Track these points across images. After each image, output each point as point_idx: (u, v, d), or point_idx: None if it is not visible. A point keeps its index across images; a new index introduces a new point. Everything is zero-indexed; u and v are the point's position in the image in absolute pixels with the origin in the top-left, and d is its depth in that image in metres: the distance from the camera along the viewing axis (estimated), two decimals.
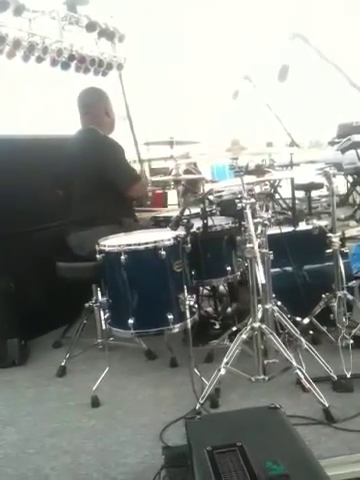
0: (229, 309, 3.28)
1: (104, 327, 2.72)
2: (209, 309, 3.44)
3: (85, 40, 5.67)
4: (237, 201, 2.43)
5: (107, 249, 2.55)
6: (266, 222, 2.45)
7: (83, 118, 3.25)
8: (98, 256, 2.58)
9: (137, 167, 6.15)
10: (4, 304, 3.09)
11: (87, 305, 3.06)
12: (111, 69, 6.13)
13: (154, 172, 6.51)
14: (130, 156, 6.10)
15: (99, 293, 2.92)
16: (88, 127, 3.21)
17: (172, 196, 5.42)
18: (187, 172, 4.60)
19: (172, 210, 3.92)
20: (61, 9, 5.29)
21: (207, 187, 3.60)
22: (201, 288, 3.33)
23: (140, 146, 6.39)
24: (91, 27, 5.51)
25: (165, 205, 5.40)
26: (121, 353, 3.03)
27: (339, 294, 2.72)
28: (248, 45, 5.34)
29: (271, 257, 2.49)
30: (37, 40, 5.12)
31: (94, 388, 2.54)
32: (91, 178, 3.07)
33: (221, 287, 3.50)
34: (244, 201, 2.35)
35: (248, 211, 2.31)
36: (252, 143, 2.92)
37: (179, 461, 1.76)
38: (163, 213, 3.57)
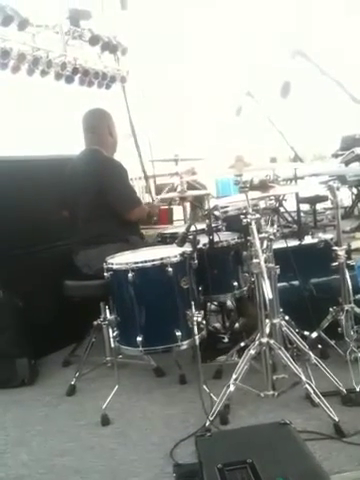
0: (237, 324, 3.28)
1: (113, 345, 2.72)
2: (217, 325, 3.44)
3: (88, 54, 5.77)
4: (242, 216, 2.45)
5: (114, 267, 2.57)
6: (272, 237, 2.46)
7: (87, 138, 3.30)
8: (106, 274, 2.59)
9: (142, 184, 6.21)
10: (13, 323, 3.10)
11: (95, 323, 3.07)
12: (114, 82, 6.22)
13: (159, 188, 6.54)
14: (135, 173, 6.16)
15: (107, 311, 2.93)
16: (92, 148, 3.26)
17: (178, 212, 5.45)
18: (191, 187, 4.63)
19: (178, 226, 3.94)
20: (64, 23, 5.39)
21: (212, 203, 3.64)
22: (208, 304, 3.33)
23: (145, 162, 6.45)
24: (94, 41, 5.60)
25: (171, 221, 5.42)
26: (130, 371, 3.03)
27: (346, 307, 2.71)
28: (250, 62, 5.40)
29: (278, 271, 2.50)
30: (41, 54, 5.21)
31: (104, 406, 2.54)
32: (95, 198, 3.10)
33: (228, 302, 3.50)
34: (249, 216, 2.36)
35: (253, 226, 2.33)
36: (256, 159, 2.94)
37: (190, 479, 1.76)
38: (169, 229, 3.59)
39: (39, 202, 3.44)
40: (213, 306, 3.55)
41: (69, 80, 5.61)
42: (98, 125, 3.29)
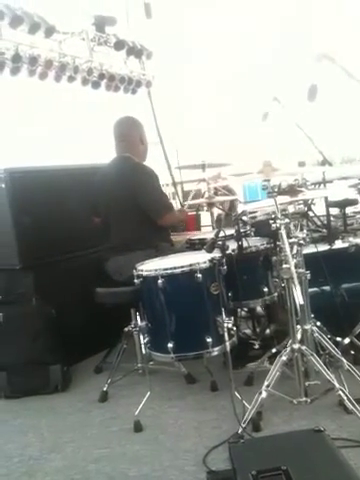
0: (268, 331, 3.26)
1: (144, 351, 2.74)
2: (247, 331, 3.42)
3: (114, 59, 5.85)
4: (271, 222, 2.44)
5: (144, 274, 2.59)
6: (301, 242, 2.44)
7: (119, 146, 3.34)
8: (136, 281, 2.62)
9: (171, 190, 6.24)
10: (46, 331, 3.16)
11: (126, 329, 3.10)
12: (140, 87, 6.28)
13: (186, 194, 6.56)
14: (163, 179, 6.19)
15: (138, 317, 2.96)
16: (123, 155, 3.29)
17: (205, 218, 5.45)
18: (219, 193, 4.63)
19: (206, 232, 3.94)
20: (90, 30, 5.48)
21: (240, 208, 3.63)
22: (238, 310, 3.32)
23: (172, 169, 6.48)
24: (119, 45, 5.68)
25: (199, 227, 5.43)
26: (161, 377, 3.04)
27: None
28: (276, 66, 5.38)
29: (308, 277, 2.48)
30: (68, 60, 5.31)
31: (136, 413, 2.56)
32: (126, 205, 3.14)
33: (259, 308, 3.48)
34: (278, 221, 2.35)
35: (283, 231, 2.32)
36: (284, 163, 2.92)
37: None
38: (197, 236, 3.59)
39: (70, 211, 3.51)
40: (243, 312, 3.53)
41: (96, 85, 5.69)
42: (130, 133, 3.34)
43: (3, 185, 3.28)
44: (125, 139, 3.32)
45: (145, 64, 6.25)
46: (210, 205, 4.12)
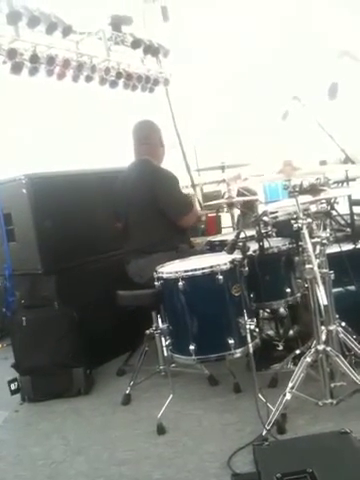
0: (291, 332, 3.22)
1: (166, 354, 2.73)
2: (270, 332, 3.38)
3: (131, 58, 5.88)
4: (293, 221, 2.41)
5: (165, 276, 2.58)
6: (325, 241, 2.40)
7: (139, 149, 3.35)
8: (156, 283, 2.61)
9: (190, 192, 6.23)
10: (69, 334, 3.17)
11: (148, 332, 3.09)
12: (157, 85, 6.29)
13: (206, 196, 6.55)
14: (183, 182, 6.19)
15: (159, 320, 2.95)
16: (142, 158, 3.30)
17: (226, 220, 5.42)
18: (240, 194, 4.60)
19: (227, 234, 3.92)
20: (107, 29, 5.51)
21: (261, 208, 3.60)
22: (260, 311, 3.29)
23: (192, 171, 6.48)
24: (136, 44, 5.70)
25: (219, 229, 5.40)
26: (184, 379, 3.03)
27: None
28: (295, 65, 5.33)
29: (332, 277, 2.44)
30: (85, 60, 5.35)
31: (159, 415, 2.55)
32: (147, 207, 3.14)
33: (281, 309, 3.44)
34: (300, 221, 2.32)
35: (305, 231, 2.28)
36: (305, 162, 2.88)
37: None
38: (218, 237, 3.57)
39: (91, 214, 3.53)
40: (265, 314, 3.49)
41: (113, 85, 5.72)
42: (150, 136, 3.36)
43: (24, 190, 3.32)
44: (146, 142, 3.33)
45: (162, 62, 6.27)
46: (230, 206, 4.09)
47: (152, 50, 5.99)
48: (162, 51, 6.17)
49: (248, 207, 4.51)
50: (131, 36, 5.67)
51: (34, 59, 4.87)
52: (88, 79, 5.48)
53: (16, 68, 4.84)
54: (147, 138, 3.34)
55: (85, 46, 5.39)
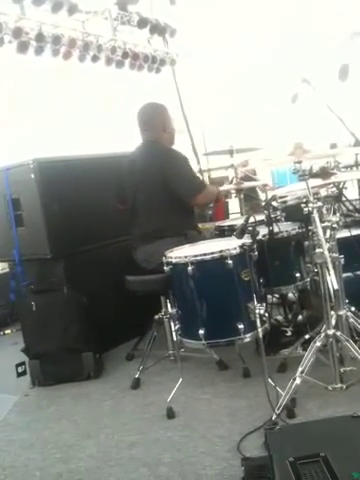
0: (300, 317, 3.21)
1: (175, 338, 2.73)
2: (279, 317, 3.38)
3: (138, 38, 5.82)
4: (303, 205, 2.39)
5: (174, 261, 2.57)
6: (335, 225, 2.38)
7: (143, 134, 3.30)
8: (165, 268, 2.60)
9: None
10: (78, 319, 3.18)
11: (157, 317, 3.10)
12: (164, 65, 6.23)
13: (213, 182, 6.51)
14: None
15: (168, 305, 2.95)
16: (149, 140, 3.25)
17: (233, 205, 5.39)
18: (246, 178, 4.56)
19: (234, 219, 3.90)
20: (113, 9, 5.45)
21: (270, 193, 3.57)
22: (269, 296, 3.27)
23: (200, 156, 6.43)
24: (142, 23, 5.64)
25: (227, 215, 5.37)
26: (193, 364, 3.03)
27: None
28: (305, 46, 5.25)
29: (342, 261, 2.42)
30: (92, 39, 5.30)
31: (168, 399, 2.56)
32: (155, 191, 3.09)
33: (290, 294, 3.43)
34: (311, 205, 2.30)
35: (315, 215, 2.26)
36: (315, 146, 2.85)
37: (259, 472, 1.74)
38: (226, 222, 3.55)
39: (100, 199, 3.51)
40: (274, 299, 3.48)
41: (119, 65, 5.67)
42: (152, 121, 3.26)
43: (32, 175, 3.31)
44: (148, 128, 3.26)
45: (169, 43, 6.20)
46: (239, 191, 4.07)
47: (159, 29, 5.90)
48: (169, 30, 6.08)
49: (252, 191, 4.48)
50: (137, 15, 5.60)
51: (40, 38, 4.83)
52: (94, 59, 5.43)
53: (22, 47, 4.80)
54: (147, 123, 3.26)
55: (91, 26, 5.35)
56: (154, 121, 3.26)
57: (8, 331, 4.55)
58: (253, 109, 6.02)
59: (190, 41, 6.30)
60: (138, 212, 3.22)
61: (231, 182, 4.38)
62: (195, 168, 6.23)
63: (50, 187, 3.33)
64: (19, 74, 5.12)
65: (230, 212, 5.52)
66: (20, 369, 3.17)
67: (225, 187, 4.08)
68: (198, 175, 3.39)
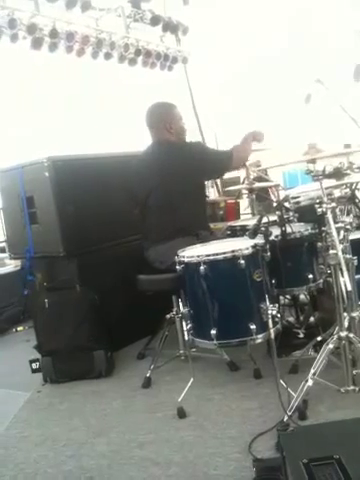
0: (312, 318, 3.19)
1: (186, 338, 2.73)
2: (290, 319, 3.37)
3: (150, 35, 5.83)
4: (317, 206, 2.37)
5: (186, 260, 2.56)
6: (348, 226, 2.37)
7: (150, 134, 3.30)
8: (178, 267, 2.60)
9: None
10: (90, 317, 3.19)
11: (168, 316, 3.10)
12: (176, 63, 6.23)
13: (225, 182, 6.50)
14: None
15: (180, 304, 2.95)
16: (157, 140, 3.24)
17: (245, 205, 5.37)
18: (259, 179, 4.55)
19: (246, 219, 3.89)
20: (126, 6, 5.47)
21: (282, 194, 3.55)
22: (280, 298, 3.26)
23: None
24: (155, 21, 5.65)
25: (238, 216, 5.36)
26: (203, 364, 3.03)
27: None
28: (318, 47, 5.23)
29: (355, 263, 2.40)
30: (105, 36, 5.32)
31: (179, 399, 2.56)
32: (170, 191, 3.06)
33: (301, 296, 3.42)
34: (324, 206, 2.29)
35: (329, 216, 2.25)
36: (329, 146, 2.84)
37: (271, 474, 1.73)
38: (238, 222, 3.54)
39: (113, 198, 3.52)
40: (285, 300, 3.47)
41: (132, 62, 5.69)
42: (153, 121, 3.25)
43: (47, 173, 3.33)
44: (152, 128, 3.25)
45: (181, 41, 6.22)
46: (251, 191, 4.05)
47: (171, 27, 5.92)
48: (181, 28, 6.09)
49: (265, 192, 4.46)
50: (150, 12, 5.62)
51: (54, 34, 4.87)
52: (107, 56, 5.46)
53: (36, 43, 4.85)
54: (151, 124, 3.25)
55: (104, 23, 5.37)
56: (157, 121, 3.24)
57: (20, 328, 4.59)
58: (266, 109, 6.00)
59: (200, 40, 6.29)
60: (150, 212, 3.21)
61: (243, 182, 4.37)
62: None
63: (64, 185, 3.35)
64: (29, 71, 5.15)
65: (241, 212, 5.50)
66: (34, 365, 3.20)
67: (237, 187, 4.08)
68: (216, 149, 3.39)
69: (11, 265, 5.57)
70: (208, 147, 3.21)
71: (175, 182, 3.05)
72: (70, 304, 3.20)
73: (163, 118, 3.23)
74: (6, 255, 5.83)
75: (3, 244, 6.85)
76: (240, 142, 3.24)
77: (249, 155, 3.28)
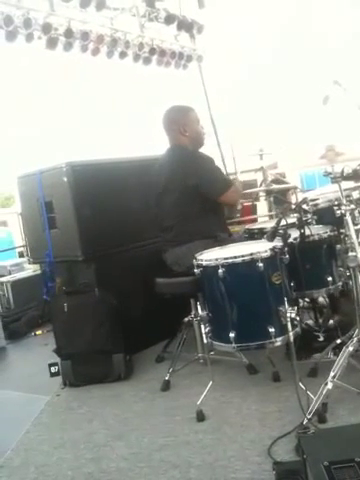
0: (331, 321, 3.16)
1: (205, 341, 2.73)
2: (309, 322, 3.34)
3: (165, 34, 5.85)
4: (335, 208, 2.36)
5: (205, 263, 2.56)
6: None
7: (167, 138, 3.32)
8: (196, 270, 2.60)
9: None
10: (109, 320, 3.21)
11: (186, 320, 3.10)
12: (191, 61, 6.25)
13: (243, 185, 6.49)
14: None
15: (198, 307, 2.95)
16: (174, 144, 3.27)
17: (262, 208, 5.36)
18: (276, 181, 4.53)
19: (263, 222, 3.88)
20: (140, 5, 5.51)
21: (300, 196, 3.53)
22: (300, 300, 3.24)
23: (227, 159, 6.42)
24: (170, 19, 5.67)
25: (255, 218, 5.34)
26: (222, 367, 3.02)
27: None
28: (336, 48, 5.19)
29: None
30: (119, 35, 5.36)
31: (198, 402, 2.56)
32: (184, 194, 3.09)
33: (320, 299, 3.39)
34: (343, 208, 2.27)
35: (348, 218, 2.24)
36: (348, 148, 2.81)
37: (291, 477, 1.72)
38: (256, 225, 3.53)
39: (130, 202, 3.55)
40: (304, 303, 3.45)
41: (147, 61, 5.70)
42: (169, 126, 3.27)
43: (65, 178, 3.36)
44: (168, 132, 3.28)
45: (196, 39, 6.23)
46: (268, 194, 4.05)
47: (186, 25, 5.92)
48: (196, 26, 6.10)
49: (284, 194, 4.44)
50: (165, 11, 5.63)
51: (69, 34, 4.91)
52: (122, 55, 5.49)
53: (51, 43, 4.89)
54: (167, 128, 3.27)
55: (119, 22, 5.40)
56: (172, 125, 3.26)
57: (39, 332, 4.63)
58: (283, 111, 5.98)
59: (214, 40, 6.30)
60: (164, 216, 3.23)
61: (260, 185, 4.36)
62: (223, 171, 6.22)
63: (82, 190, 3.38)
64: (44, 74, 5.22)
65: (259, 215, 5.49)
66: (53, 369, 3.23)
67: (255, 189, 4.08)
68: (223, 174, 3.37)
69: (30, 269, 5.64)
70: (214, 168, 3.18)
71: (185, 187, 3.06)
72: (89, 308, 3.22)
73: (178, 122, 3.25)
74: (25, 259, 5.92)
75: (22, 249, 6.96)
76: (237, 186, 3.30)
77: (239, 199, 3.35)
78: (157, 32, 5.76)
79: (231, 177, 3.83)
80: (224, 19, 6.05)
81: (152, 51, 5.70)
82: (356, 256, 2.19)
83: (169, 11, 5.68)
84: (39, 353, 4.00)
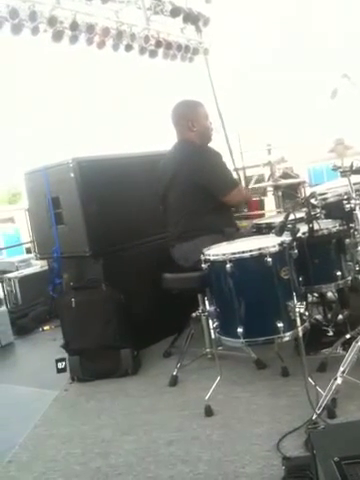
0: (340, 316, 3.14)
1: (213, 336, 2.72)
2: (318, 317, 3.32)
3: (171, 27, 5.83)
4: (345, 202, 2.34)
5: (212, 258, 2.55)
6: None
7: (175, 131, 3.31)
8: (203, 265, 2.59)
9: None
10: (116, 316, 3.21)
11: (194, 315, 3.09)
12: (197, 54, 6.21)
13: (249, 180, 6.47)
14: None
15: (206, 302, 2.93)
16: (182, 139, 3.25)
17: (269, 202, 5.34)
18: (285, 176, 4.51)
19: (271, 217, 3.86)
20: None
21: (308, 190, 3.51)
22: (308, 295, 3.22)
23: (235, 154, 6.40)
24: (176, 12, 5.64)
25: (262, 208, 5.33)
26: (230, 362, 3.01)
27: None
28: (345, 41, 5.14)
29: None
30: (125, 28, 5.34)
31: (207, 398, 2.55)
32: (187, 191, 3.08)
33: (329, 293, 3.37)
34: (353, 202, 2.25)
35: (358, 212, 2.21)
36: (357, 141, 2.79)
37: (301, 472, 1.71)
38: (264, 220, 3.51)
39: (137, 198, 3.55)
40: (313, 298, 3.43)
41: (153, 54, 5.68)
42: (178, 121, 3.25)
43: (72, 174, 3.36)
44: (176, 127, 3.26)
45: (202, 32, 6.20)
46: (276, 188, 4.03)
47: (192, 18, 5.89)
48: (202, 19, 6.06)
49: (292, 188, 4.42)
50: (170, 4, 5.60)
51: (74, 26, 4.90)
52: (128, 48, 5.46)
53: (57, 36, 4.88)
54: (175, 123, 3.26)
55: (124, 15, 5.39)
56: (180, 120, 3.24)
57: (47, 327, 4.64)
58: (291, 105, 5.94)
59: (220, 33, 6.26)
60: (171, 211, 3.22)
61: (268, 179, 4.34)
62: (231, 166, 6.21)
63: (89, 186, 3.38)
64: (48, 70, 5.23)
65: (266, 210, 5.48)
66: (60, 365, 3.23)
67: (263, 184, 4.06)
68: (231, 173, 3.35)
69: (37, 265, 5.65)
70: (222, 164, 3.15)
71: (192, 182, 3.04)
72: (96, 303, 3.22)
73: (186, 117, 3.22)
74: (32, 255, 5.94)
75: (29, 245, 6.98)
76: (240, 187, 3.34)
77: (243, 201, 3.41)
78: (163, 25, 5.73)
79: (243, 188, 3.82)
80: (231, 12, 5.99)
81: (158, 44, 5.67)
82: None
83: (175, 4, 5.65)
84: (47, 348, 4.01)
